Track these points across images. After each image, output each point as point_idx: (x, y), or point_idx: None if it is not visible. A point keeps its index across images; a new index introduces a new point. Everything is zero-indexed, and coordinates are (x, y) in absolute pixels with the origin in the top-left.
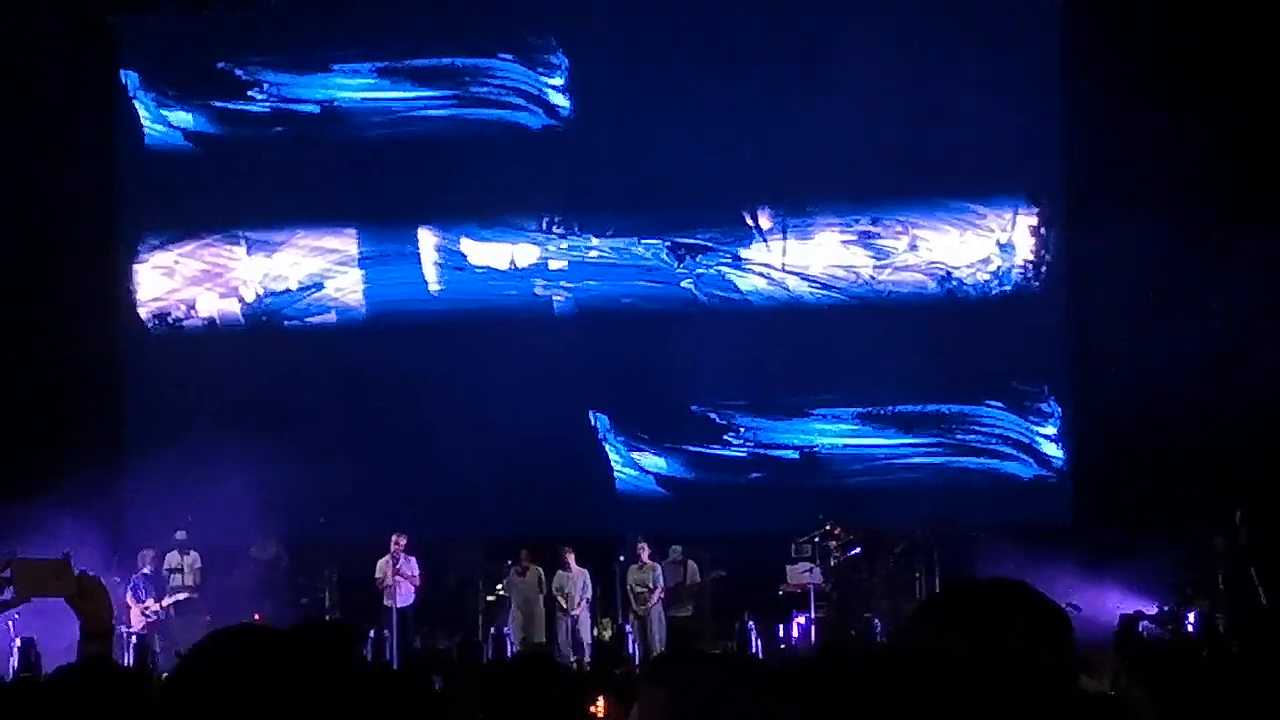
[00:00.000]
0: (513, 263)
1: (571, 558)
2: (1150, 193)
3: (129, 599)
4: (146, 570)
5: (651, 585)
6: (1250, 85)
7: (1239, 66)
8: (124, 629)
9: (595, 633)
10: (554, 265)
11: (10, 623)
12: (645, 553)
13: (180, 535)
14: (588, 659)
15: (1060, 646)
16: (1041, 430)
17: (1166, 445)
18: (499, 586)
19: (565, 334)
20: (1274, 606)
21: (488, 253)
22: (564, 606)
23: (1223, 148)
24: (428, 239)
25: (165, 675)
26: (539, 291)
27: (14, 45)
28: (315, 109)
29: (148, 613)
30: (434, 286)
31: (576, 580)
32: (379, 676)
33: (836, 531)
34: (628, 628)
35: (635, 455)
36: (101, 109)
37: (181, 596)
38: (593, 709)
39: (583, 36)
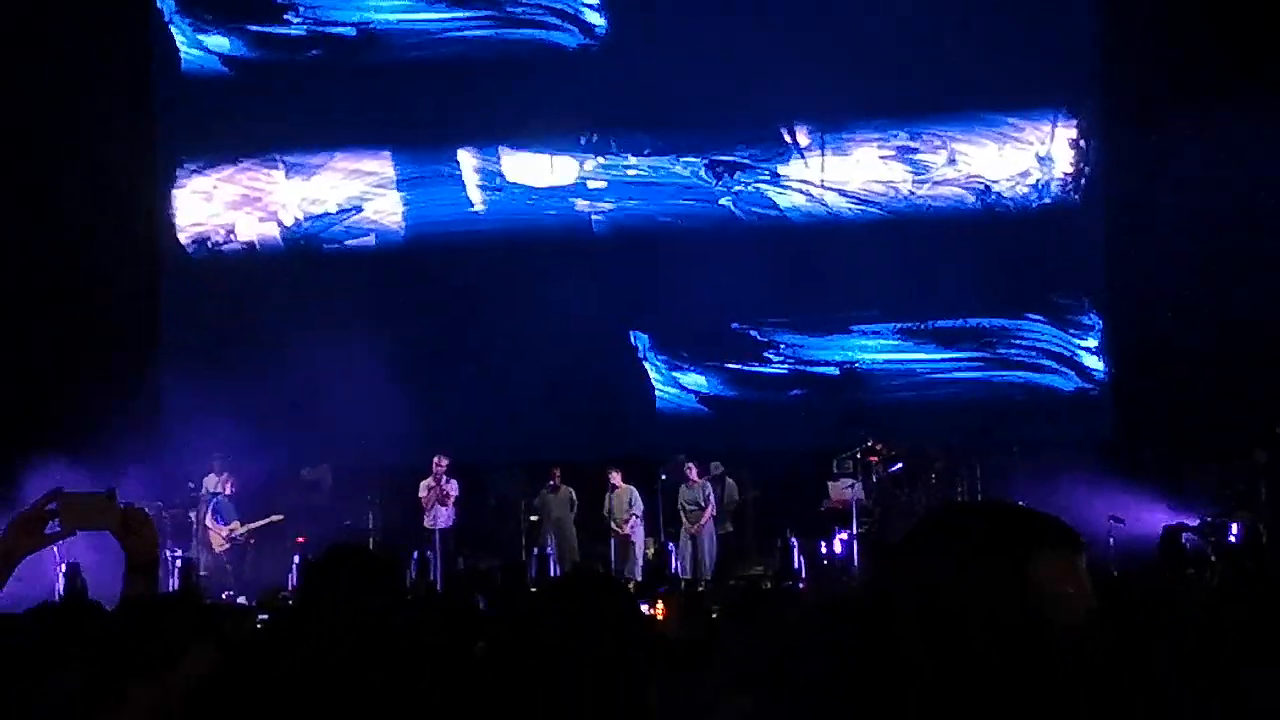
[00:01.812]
0: (548, 182)
1: (617, 477)
2: (1190, 103)
3: (209, 521)
4: (228, 492)
5: (703, 503)
6: None
7: None
8: (195, 554)
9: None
10: (592, 185)
11: (55, 549)
12: (694, 471)
13: (219, 457)
14: (639, 577)
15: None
16: (1082, 343)
17: (1207, 357)
18: (534, 504)
19: (604, 253)
20: None
21: (525, 172)
22: (613, 527)
23: (1265, 53)
24: (467, 159)
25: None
26: (578, 211)
27: None
28: (351, 31)
29: (232, 535)
30: (477, 206)
31: (623, 498)
32: (423, 598)
33: (878, 448)
34: (670, 546)
35: (676, 374)
36: (138, 34)
37: (265, 521)
38: (653, 612)
39: None
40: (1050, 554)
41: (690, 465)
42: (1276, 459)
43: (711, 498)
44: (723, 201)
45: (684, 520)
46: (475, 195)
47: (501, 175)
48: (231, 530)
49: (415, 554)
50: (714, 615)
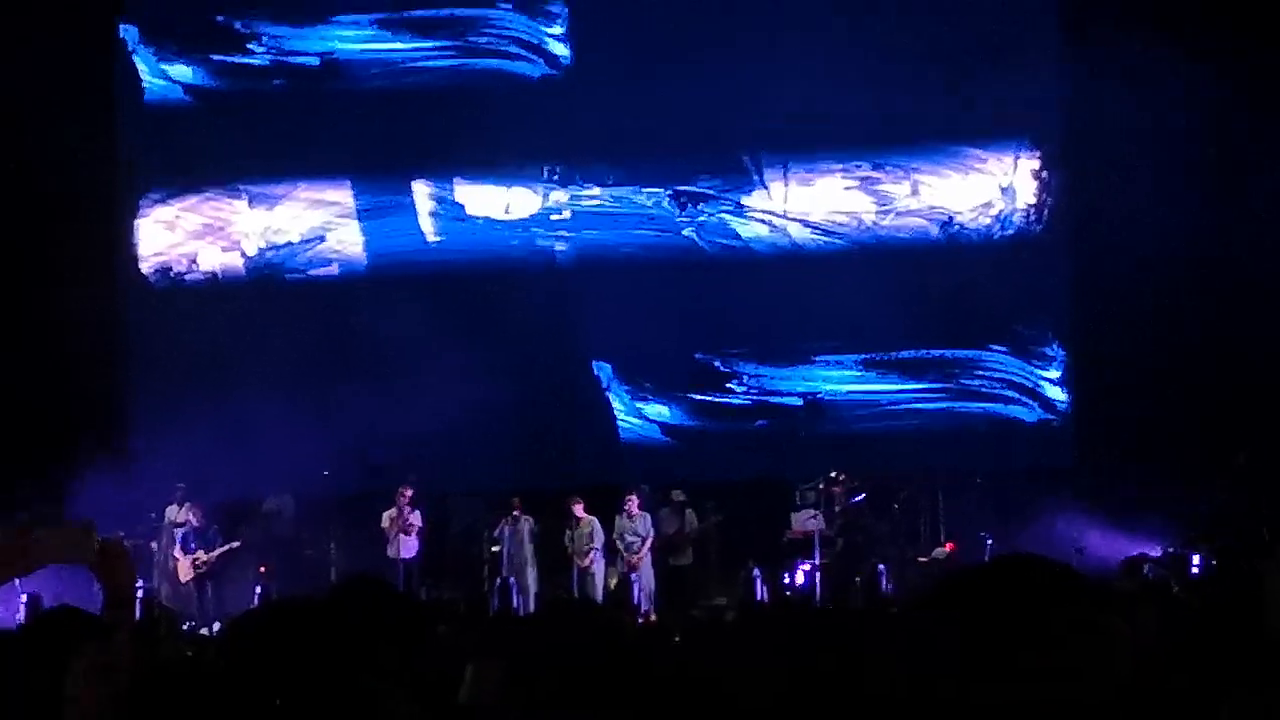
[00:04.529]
0: (513, 213)
1: (579, 507)
2: (1152, 135)
3: (177, 551)
4: (195, 523)
5: (642, 535)
6: (1252, 25)
7: (1241, 5)
8: (157, 584)
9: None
10: (555, 215)
11: (17, 580)
12: (634, 504)
13: (181, 488)
14: None
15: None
16: (1045, 374)
17: (1170, 388)
18: (495, 534)
19: (567, 284)
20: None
21: (487, 203)
22: (573, 557)
23: (1225, 88)
24: (425, 190)
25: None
26: (540, 242)
27: (13, 1)
28: (314, 61)
29: (197, 564)
30: (431, 237)
31: (584, 530)
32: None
33: (841, 478)
34: (634, 577)
35: (639, 404)
36: (101, 63)
37: (225, 548)
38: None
39: None
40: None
41: (631, 497)
42: (1239, 487)
43: (651, 531)
44: (686, 232)
45: (622, 552)
46: (428, 225)
47: (461, 205)
48: (196, 559)
49: None
50: None
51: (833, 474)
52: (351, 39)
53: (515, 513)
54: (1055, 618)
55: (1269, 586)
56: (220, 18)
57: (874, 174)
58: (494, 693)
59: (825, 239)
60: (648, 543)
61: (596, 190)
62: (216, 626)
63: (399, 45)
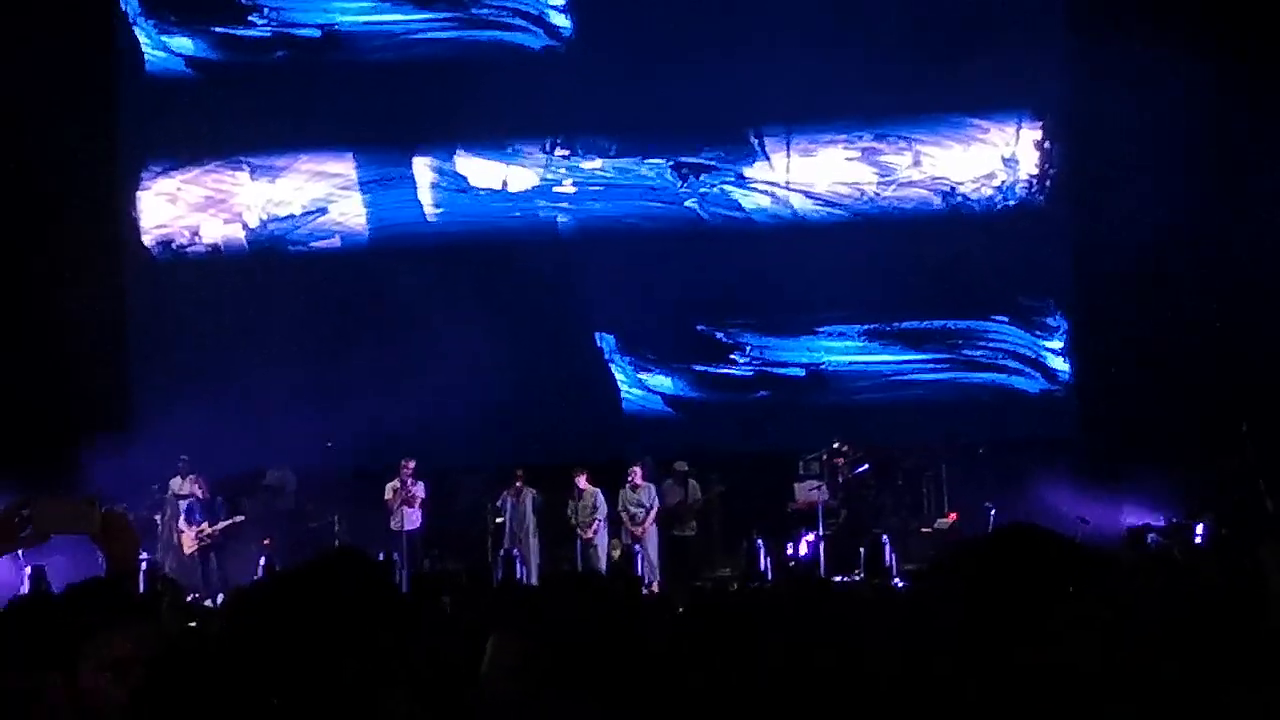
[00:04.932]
0: (514, 184)
1: (582, 479)
2: (1154, 105)
3: (181, 523)
4: (200, 495)
5: (647, 505)
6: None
7: None
8: (161, 557)
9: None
10: (556, 187)
11: (20, 552)
12: (638, 475)
13: (184, 460)
14: None
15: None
16: (1048, 344)
17: (1172, 358)
18: (498, 506)
19: (569, 255)
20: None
21: (490, 175)
22: (577, 530)
23: (1227, 59)
24: (427, 162)
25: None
26: (542, 214)
27: None
28: (316, 33)
29: (201, 536)
30: (431, 210)
31: (588, 501)
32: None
33: (844, 449)
34: (637, 548)
35: (642, 375)
36: (102, 36)
37: (229, 521)
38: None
39: None
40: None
41: (635, 468)
42: (1243, 459)
43: (655, 502)
44: (688, 203)
45: (626, 523)
46: (428, 198)
47: (464, 177)
48: (200, 531)
49: (381, 556)
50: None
51: (836, 445)
52: (353, 10)
53: (518, 484)
54: (1056, 614)
55: (1270, 572)
56: None
57: (876, 145)
58: (512, 666)
59: (827, 210)
60: (652, 514)
61: (598, 162)
62: (220, 598)
63: (400, 17)
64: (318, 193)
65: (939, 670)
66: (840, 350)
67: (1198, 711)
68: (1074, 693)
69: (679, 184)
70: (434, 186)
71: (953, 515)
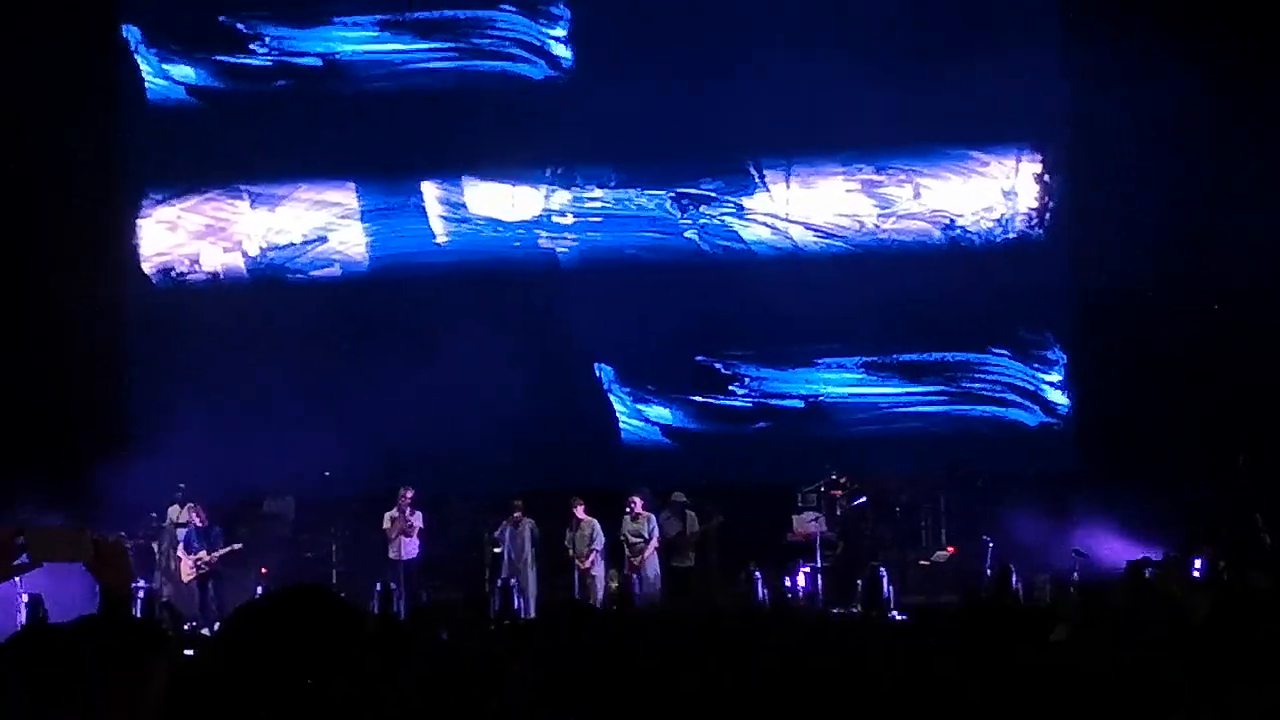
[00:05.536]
0: (515, 214)
1: (580, 509)
2: (1154, 138)
3: (179, 551)
4: (198, 522)
5: (646, 535)
6: (1253, 28)
7: (1239, 9)
8: (159, 585)
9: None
10: (557, 217)
11: (18, 579)
12: (638, 504)
13: (182, 488)
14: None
15: None
16: (1046, 377)
17: (1171, 391)
18: (496, 536)
19: (569, 286)
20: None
21: (490, 205)
22: (573, 558)
23: (1227, 92)
24: (431, 191)
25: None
26: (542, 243)
27: (15, 2)
28: (317, 62)
29: (199, 564)
30: (440, 239)
31: (585, 532)
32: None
33: (842, 481)
34: (635, 578)
35: (640, 406)
36: (103, 64)
37: (227, 549)
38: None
39: None
40: None
41: (634, 498)
42: (1238, 491)
43: (655, 531)
44: (688, 234)
45: (626, 553)
46: (439, 227)
47: (465, 207)
48: (198, 559)
49: (379, 585)
50: None
51: (834, 476)
52: (354, 40)
53: (516, 514)
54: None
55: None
56: (223, 18)
57: (876, 177)
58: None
59: (827, 241)
60: (652, 543)
61: (598, 192)
62: (217, 627)
63: (401, 46)
64: (318, 221)
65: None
66: (839, 382)
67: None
68: None
69: (679, 215)
70: (436, 216)
71: (951, 548)
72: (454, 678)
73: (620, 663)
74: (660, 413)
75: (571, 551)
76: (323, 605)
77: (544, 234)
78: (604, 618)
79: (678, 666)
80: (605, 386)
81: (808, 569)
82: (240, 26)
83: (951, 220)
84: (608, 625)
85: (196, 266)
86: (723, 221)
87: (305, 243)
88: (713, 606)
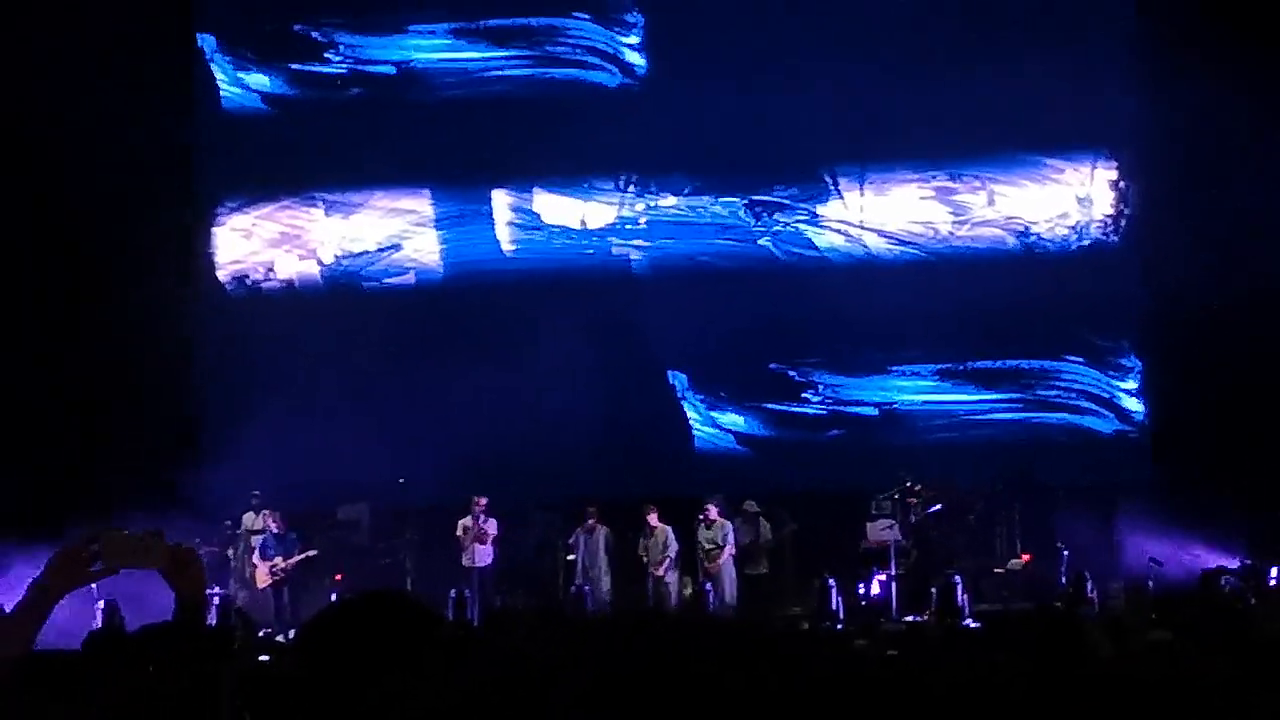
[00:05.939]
0: (588, 222)
1: (653, 516)
2: (1230, 144)
3: (255, 558)
4: (274, 529)
5: (721, 542)
6: None
7: None
8: (234, 591)
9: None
10: (630, 225)
11: (95, 586)
12: (713, 511)
13: (257, 495)
14: None
15: None
16: (1122, 385)
17: (1247, 399)
18: (570, 543)
19: (642, 293)
20: None
21: (563, 213)
22: (647, 566)
23: None
24: (502, 199)
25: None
26: (615, 251)
27: (92, 11)
28: (391, 70)
29: (275, 571)
30: (508, 247)
31: (659, 539)
32: (459, 636)
33: (917, 488)
34: (708, 586)
35: (714, 413)
36: (179, 73)
37: (303, 555)
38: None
39: None
40: None
41: (709, 506)
42: None
43: (730, 538)
44: (761, 241)
45: (702, 559)
46: (505, 235)
47: (538, 215)
48: (274, 565)
49: (453, 593)
50: None
51: (908, 484)
52: (428, 48)
53: (590, 521)
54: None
55: None
56: (297, 27)
57: (950, 184)
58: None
59: (901, 249)
60: (726, 550)
61: (672, 199)
62: (293, 634)
63: (476, 54)
64: (392, 229)
65: None
66: (913, 389)
67: None
68: None
69: (753, 222)
70: (509, 224)
71: (1026, 556)
72: (522, 683)
73: (675, 669)
74: (734, 420)
75: (645, 559)
76: (402, 610)
77: (617, 241)
78: (665, 623)
79: (733, 675)
80: (679, 394)
81: (882, 577)
82: (315, 35)
83: (1026, 227)
84: (667, 631)
85: (271, 274)
86: (796, 229)
87: (380, 250)
88: (778, 617)
